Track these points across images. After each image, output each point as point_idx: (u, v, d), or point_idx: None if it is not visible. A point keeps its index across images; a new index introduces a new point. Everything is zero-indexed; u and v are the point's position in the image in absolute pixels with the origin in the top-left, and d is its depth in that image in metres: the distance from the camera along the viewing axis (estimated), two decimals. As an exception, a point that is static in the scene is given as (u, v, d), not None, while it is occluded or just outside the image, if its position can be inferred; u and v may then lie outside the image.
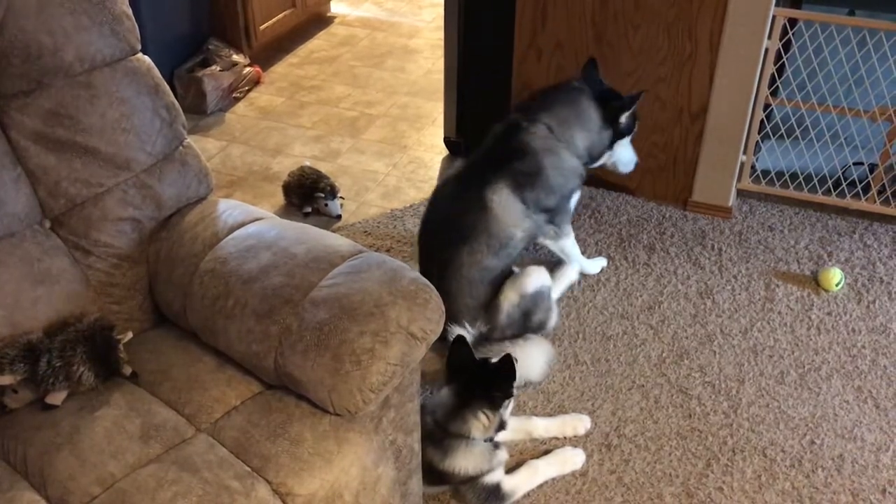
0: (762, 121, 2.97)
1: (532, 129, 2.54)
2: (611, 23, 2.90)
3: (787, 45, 2.87)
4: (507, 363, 1.96)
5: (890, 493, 2.09)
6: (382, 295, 1.60)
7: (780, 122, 3.24)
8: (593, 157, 2.68)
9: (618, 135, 2.67)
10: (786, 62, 2.90)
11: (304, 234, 1.80)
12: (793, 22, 2.87)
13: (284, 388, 1.65)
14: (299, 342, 1.57)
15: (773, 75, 2.87)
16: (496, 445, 2.01)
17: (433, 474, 1.96)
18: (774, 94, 2.96)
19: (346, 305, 1.58)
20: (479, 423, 1.95)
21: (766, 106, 2.95)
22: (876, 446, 2.22)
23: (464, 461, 1.95)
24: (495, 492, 2.01)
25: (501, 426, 2.00)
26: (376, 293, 1.60)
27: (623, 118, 2.64)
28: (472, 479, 1.99)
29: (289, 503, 1.49)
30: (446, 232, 2.46)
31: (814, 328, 2.61)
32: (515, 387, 1.99)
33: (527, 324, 2.46)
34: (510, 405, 2.02)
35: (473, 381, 1.98)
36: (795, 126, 3.06)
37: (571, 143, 2.58)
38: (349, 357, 1.53)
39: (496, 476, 2.01)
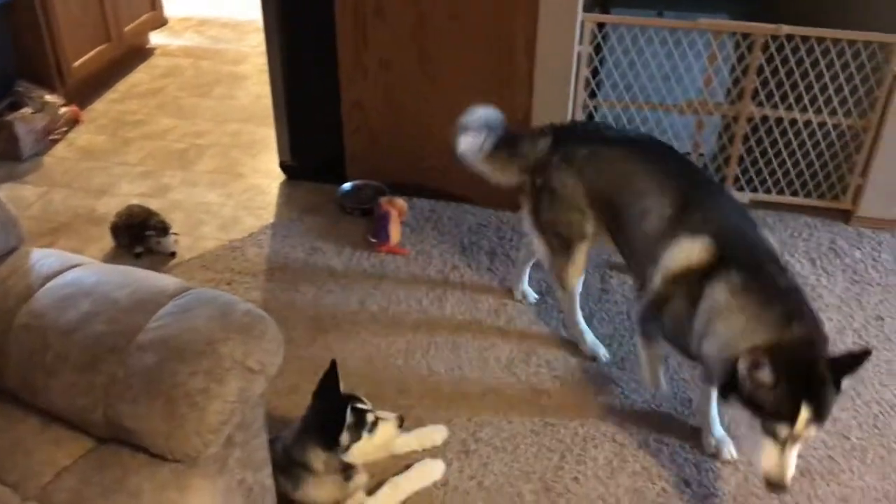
0: (584, 122, 3.11)
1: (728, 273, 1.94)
2: (431, 39, 2.95)
3: (598, 48, 3.02)
4: (341, 413, 1.84)
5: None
6: (214, 331, 1.55)
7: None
8: (710, 373, 1.98)
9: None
10: (598, 65, 3.05)
11: (127, 277, 1.72)
12: (601, 25, 3.02)
13: (119, 440, 1.56)
14: (128, 390, 1.50)
15: (587, 78, 3.01)
16: (349, 476, 1.95)
17: (290, 506, 1.91)
18: (593, 95, 3.11)
19: (174, 346, 1.52)
20: (316, 458, 1.88)
21: (586, 108, 3.09)
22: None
23: (314, 491, 1.90)
24: (357, 517, 1.98)
25: (348, 467, 1.91)
26: (206, 330, 1.54)
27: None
28: (331, 509, 1.94)
29: (132, 561, 1.41)
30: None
31: (649, 313, 2.74)
32: (342, 442, 1.86)
33: None
34: (352, 451, 1.89)
35: (320, 414, 1.92)
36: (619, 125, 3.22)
37: (726, 321, 1.91)
38: (183, 399, 1.47)
39: (356, 501, 1.98)
